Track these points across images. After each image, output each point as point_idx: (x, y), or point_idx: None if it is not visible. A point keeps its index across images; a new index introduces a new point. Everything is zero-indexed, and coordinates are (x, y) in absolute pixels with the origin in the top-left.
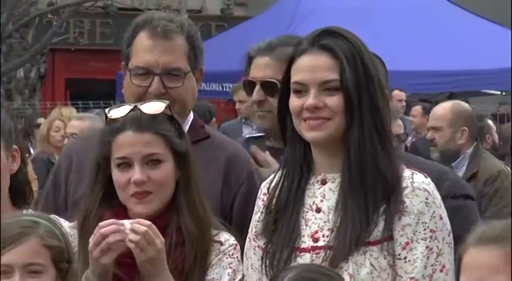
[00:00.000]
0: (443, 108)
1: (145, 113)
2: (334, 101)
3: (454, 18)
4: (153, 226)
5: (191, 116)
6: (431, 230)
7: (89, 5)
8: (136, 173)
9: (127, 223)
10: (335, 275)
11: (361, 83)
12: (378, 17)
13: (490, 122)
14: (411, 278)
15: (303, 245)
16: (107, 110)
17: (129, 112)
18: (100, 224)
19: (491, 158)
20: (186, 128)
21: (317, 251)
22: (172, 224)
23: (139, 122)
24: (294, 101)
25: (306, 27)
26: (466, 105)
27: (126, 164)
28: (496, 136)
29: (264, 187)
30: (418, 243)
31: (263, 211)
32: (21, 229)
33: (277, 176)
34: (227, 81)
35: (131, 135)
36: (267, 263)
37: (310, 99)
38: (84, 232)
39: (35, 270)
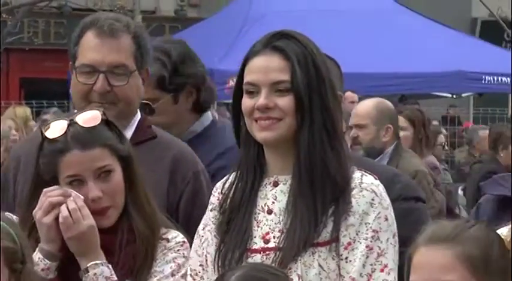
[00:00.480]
0: (367, 106)
1: (85, 128)
2: (285, 101)
3: (407, 22)
4: (85, 207)
5: (138, 116)
6: (373, 231)
7: (43, 5)
8: (92, 190)
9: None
10: (282, 274)
11: (313, 85)
12: (330, 20)
13: (435, 122)
14: (351, 277)
15: (254, 247)
16: (42, 128)
17: (67, 128)
18: (46, 190)
19: (411, 157)
20: (133, 128)
21: (267, 252)
22: (123, 223)
23: (83, 139)
24: (246, 102)
25: (258, 30)
26: (389, 103)
27: (78, 181)
28: (442, 138)
29: (219, 186)
30: (360, 243)
31: (217, 216)
32: None
33: (231, 177)
34: None
35: (78, 154)
36: (219, 263)
37: (261, 100)
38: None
39: None
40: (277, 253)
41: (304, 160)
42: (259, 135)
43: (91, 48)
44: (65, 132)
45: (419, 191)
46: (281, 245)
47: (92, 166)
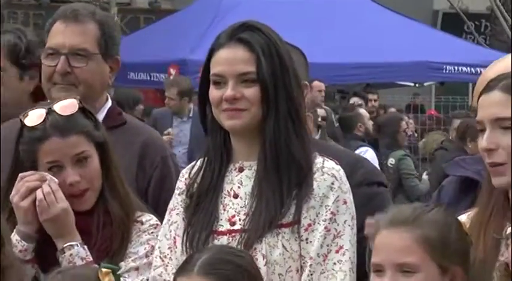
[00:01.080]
0: None
1: (62, 116)
2: (251, 92)
3: (372, 14)
4: (59, 191)
5: (109, 103)
6: (331, 213)
7: None
8: (70, 176)
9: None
10: (247, 256)
11: (277, 75)
12: (299, 11)
13: (362, 110)
14: (310, 257)
15: (221, 229)
16: (21, 116)
17: (46, 116)
18: (22, 174)
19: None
20: (103, 114)
21: (233, 234)
22: (99, 206)
23: (61, 127)
24: (214, 92)
25: (229, 21)
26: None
27: (57, 166)
28: (369, 124)
29: (186, 171)
30: (319, 224)
31: (186, 199)
32: None
33: (198, 162)
34: (154, 71)
35: (57, 141)
36: (187, 245)
37: (228, 91)
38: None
39: None
40: (243, 234)
41: (270, 147)
42: (227, 123)
43: (56, 33)
44: (44, 120)
45: (382, 177)
46: (246, 227)
47: (70, 152)
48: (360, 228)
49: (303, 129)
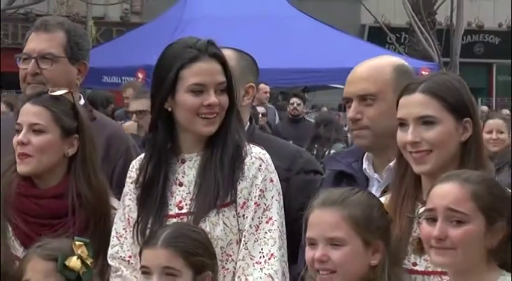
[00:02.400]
0: None
1: (47, 94)
2: (224, 99)
3: (309, 27)
4: None
5: (81, 101)
6: (260, 190)
7: (12, 12)
8: (20, 136)
9: None
10: (202, 231)
11: (233, 83)
12: (246, 24)
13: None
14: (244, 230)
15: (171, 212)
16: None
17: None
18: None
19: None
20: None
21: (181, 216)
22: (71, 189)
23: (36, 97)
24: (192, 100)
25: (187, 33)
26: None
27: (19, 130)
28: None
29: (135, 162)
30: (250, 201)
31: (139, 187)
32: None
33: (146, 155)
34: (125, 74)
35: (26, 106)
36: (141, 227)
37: (212, 98)
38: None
39: None
40: (189, 216)
41: (221, 142)
42: (204, 129)
43: (29, 41)
44: (36, 94)
45: (318, 166)
46: (192, 210)
47: (29, 119)
48: (299, 208)
49: (241, 127)
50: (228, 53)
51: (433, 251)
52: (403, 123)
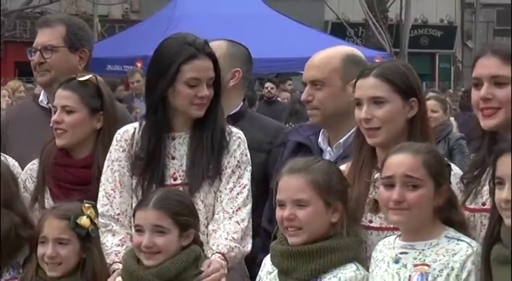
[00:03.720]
0: None
1: (75, 80)
2: (211, 91)
3: (281, 23)
4: None
5: None
6: (238, 161)
7: (29, 11)
8: (55, 116)
9: None
10: (187, 196)
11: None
12: (228, 21)
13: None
14: (220, 191)
15: (167, 183)
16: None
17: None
18: None
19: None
20: None
21: (177, 187)
22: (96, 160)
23: (66, 83)
24: (188, 91)
25: (178, 29)
26: None
27: (55, 111)
28: None
29: (122, 132)
30: (228, 169)
31: (128, 155)
32: None
33: (131, 128)
34: (125, 64)
35: (58, 91)
36: (141, 193)
37: (205, 92)
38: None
39: None
40: (185, 187)
41: (208, 122)
42: (197, 113)
43: (37, 37)
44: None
45: None
46: (186, 181)
47: (61, 102)
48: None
49: (223, 112)
50: (220, 43)
51: (391, 212)
52: (358, 103)
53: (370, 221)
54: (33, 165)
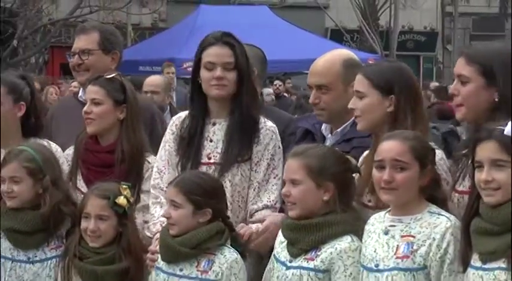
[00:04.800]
0: None
1: (103, 77)
2: (232, 75)
3: (287, 29)
4: None
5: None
6: (271, 154)
7: (73, 20)
8: (85, 107)
9: None
10: (206, 177)
11: (244, 65)
12: (242, 28)
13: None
14: (257, 182)
15: (202, 161)
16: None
17: (97, 77)
18: None
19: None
20: None
21: (210, 165)
22: (119, 146)
23: (95, 80)
24: (206, 74)
25: (200, 35)
26: None
27: (85, 103)
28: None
29: (176, 119)
30: (263, 161)
31: (176, 137)
32: (11, 154)
33: (183, 115)
34: (154, 65)
35: (89, 87)
36: (180, 168)
37: (218, 73)
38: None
39: (16, 180)
40: (217, 166)
41: (239, 110)
42: (214, 93)
43: (75, 42)
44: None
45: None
46: (218, 161)
47: (90, 96)
48: None
49: (257, 100)
50: None
51: (381, 191)
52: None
53: (369, 201)
54: (70, 150)
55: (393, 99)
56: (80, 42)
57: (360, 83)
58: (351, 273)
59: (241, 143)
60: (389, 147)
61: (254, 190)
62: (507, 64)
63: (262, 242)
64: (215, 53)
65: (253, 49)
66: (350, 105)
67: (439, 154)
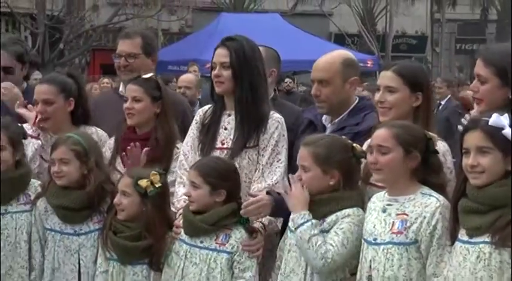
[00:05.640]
0: None
1: (140, 77)
2: (227, 73)
3: (295, 33)
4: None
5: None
6: (276, 141)
7: (111, 26)
8: (127, 104)
9: None
10: (220, 161)
11: (242, 64)
12: (257, 34)
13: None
14: (262, 165)
15: (217, 146)
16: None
17: (136, 77)
18: None
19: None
20: None
21: (223, 150)
22: (153, 135)
23: (134, 80)
24: (212, 73)
25: (220, 38)
26: None
27: (126, 100)
28: None
29: (201, 110)
30: (268, 147)
31: (199, 126)
32: (60, 140)
33: (207, 107)
34: (181, 65)
35: (129, 85)
36: (199, 152)
37: (216, 72)
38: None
39: (65, 161)
40: (228, 151)
41: (239, 105)
42: (217, 89)
43: (119, 45)
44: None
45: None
46: (230, 147)
47: (131, 94)
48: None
49: (262, 94)
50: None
51: (372, 171)
52: (378, 89)
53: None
54: (111, 140)
55: (420, 96)
56: (125, 46)
57: (392, 79)
58: (342, 228)
59: (249, 131)
60: (377, 134)
61: (259, 171)
62: None
63: (253, 210)
64: (216, 54)
65: (269, 50)
66: (379, 99)
67: (444, 145)
